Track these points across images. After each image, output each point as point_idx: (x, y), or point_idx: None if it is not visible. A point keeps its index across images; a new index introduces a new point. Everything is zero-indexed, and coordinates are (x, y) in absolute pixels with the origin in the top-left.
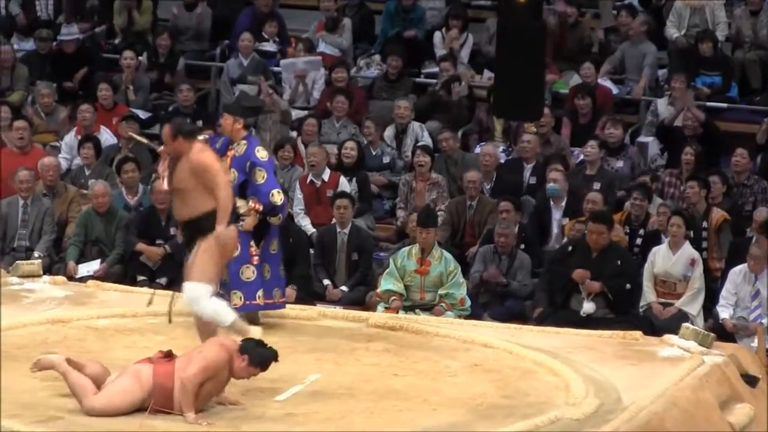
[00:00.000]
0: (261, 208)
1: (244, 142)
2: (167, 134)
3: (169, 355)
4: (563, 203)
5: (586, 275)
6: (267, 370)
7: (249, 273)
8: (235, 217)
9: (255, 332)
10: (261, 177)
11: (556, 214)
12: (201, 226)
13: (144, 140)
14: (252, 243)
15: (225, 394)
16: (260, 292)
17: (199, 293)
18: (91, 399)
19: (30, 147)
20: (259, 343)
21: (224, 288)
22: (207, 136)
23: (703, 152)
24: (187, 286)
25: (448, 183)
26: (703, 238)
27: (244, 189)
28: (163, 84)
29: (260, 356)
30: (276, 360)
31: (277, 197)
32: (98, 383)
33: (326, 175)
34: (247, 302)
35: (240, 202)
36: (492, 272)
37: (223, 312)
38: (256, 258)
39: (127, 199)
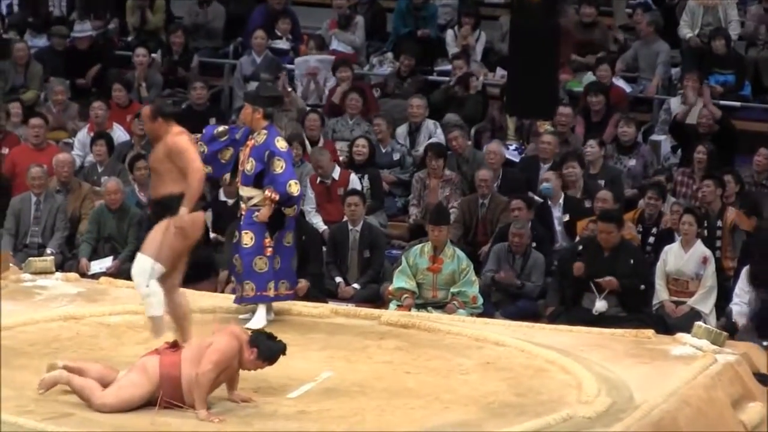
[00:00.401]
0: (277, 197)
1: (265, 131)
2: (146, 114)
3: (175, 346)
4: (560, 201)
5: (582, 269)
6: (274, 363)
7: (261, 264)
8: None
9: (166, 336)
10: (279, 167)
11: (556, 213)
12: (167, 206)
13: None
14: (267, 234)
15: (237, 392)
16: (271, 284)
17: (144, 268)
18: (100, 396)
19: (45, 144)
20: (270, 336)
21: (237, 278)
22: (227, 127)
23: (716, 151)
24: (138, 257)
25: (461, 181)
26: (717, 237)
27: (260, 179)
28: (176, 81)
29: (269, 350)
30: (284, 354)
31: (294, 188)
32: (103, 383)
33: (336, 173)
34: (258, 293)
35: (253, 192)
36: (506, 274)
37: (155, 303)
38: (269, 249)
39: (139, 197)
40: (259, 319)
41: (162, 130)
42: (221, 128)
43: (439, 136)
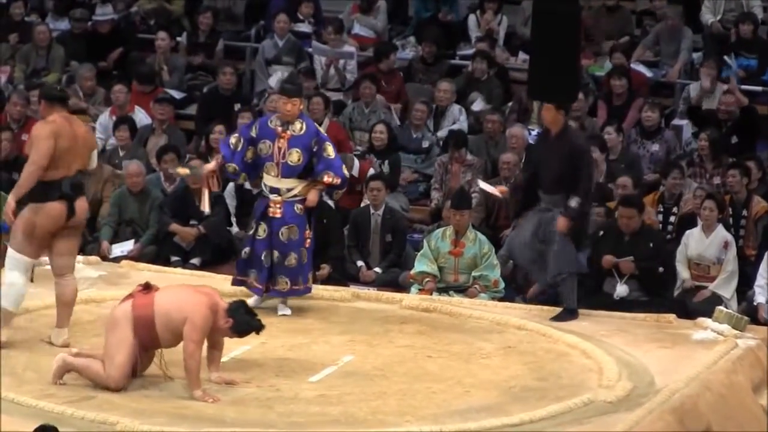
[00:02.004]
0: (339, 181)
1: (300, 119)
2: (38, 96)
3: (147, 287)
4: None
5: (612, 262)
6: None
7: (304, 256)
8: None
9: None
10: (332, 151)
11: None
12: (30, 194)
13: (186, 171)
14: (307, 226)
15: (219, 373)
16: (310, 275)
17: (9, 258)
18: (105, 375)
19: None
20: (249, 311)
21: (275, 271)
22: (237, 135)
23: (739, 137)
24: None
25: (486, 164)
26: (741, 225)
27: (305, 169)
28: (199, 65)
29: (245, 324)
30: (258, 333)
31: (346, 171)
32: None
33: (356, 169)
34: (294, 287)
35: (295, 183)
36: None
37: (11, 296)
38: (309, 241)
39: (164, 186)
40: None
41: (42, 113)
42: (233, 139)
43: (463, 123)
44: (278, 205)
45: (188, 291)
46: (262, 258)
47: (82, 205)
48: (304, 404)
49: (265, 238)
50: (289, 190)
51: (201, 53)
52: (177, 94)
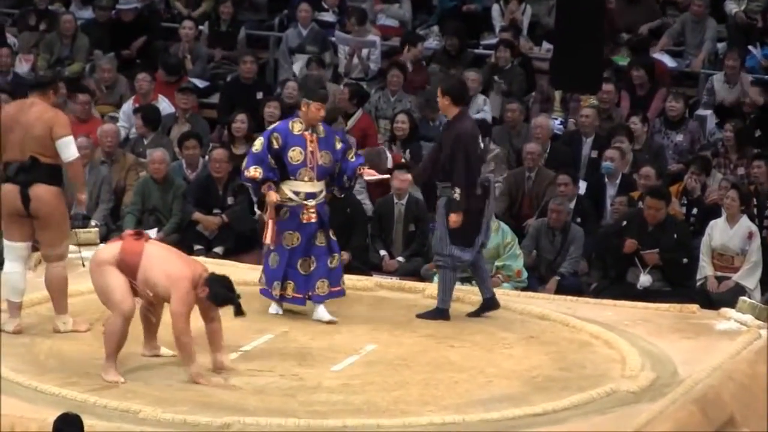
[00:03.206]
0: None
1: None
2: None
3: (139, 234)
4: (617, 181)
5: (635, 246)
6: (220, 308)
7: (335, 259)
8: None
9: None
10: (354, 153)
11: (611, 191)
12: None
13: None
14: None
15: (222, 356)
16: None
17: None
18: (114, 317)
19: (90, 116)
20: (229, 287)
21: (314, 276)
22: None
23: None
24: None
25: (508, 154)
26: (766, 216)
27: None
28: (220, 56)
29: (219, 294)
30: (237, 310)
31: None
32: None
33: (390, 161)
34: (333, 289)
35: (323, 185)
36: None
37: (8, 286)
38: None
39: (186, 173)
40: (326, 313)
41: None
42: (270, 162)
43: (487, 113)
44: (312, 210)
45: (176, 261)
46: (298, 267)
47: (40, 193)
48: (327, 393)
49: (300, 247)
50: (321, 192)
51: (223, 42)
52: (200, 83)
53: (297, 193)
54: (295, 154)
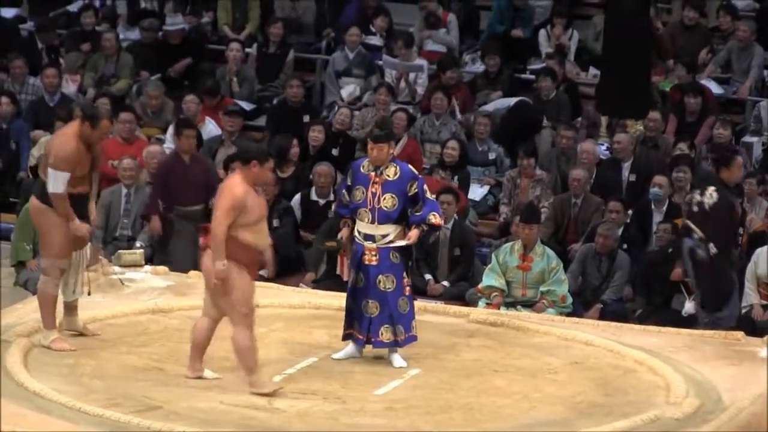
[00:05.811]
0: (442, 222)
1: (394, 164)
2: None
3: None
4: (664, 208)
5: (683, 273)
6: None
7: (404, 305)
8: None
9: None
10: (430, 193)
11: (657, 217)
12: None
13: (334, 244)
14: (405, 274)
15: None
16: (413, 323)
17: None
18: (239, 331)
19: (133, 137)
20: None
21: (373, 321)
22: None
23: None
24: None
25: (556, 179)
26: None
27: (401, 215)
28: (270, 76)
29: (260, 151)
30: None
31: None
32: None
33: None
34: (407, 335)
35: (389, 228)
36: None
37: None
38: (408, 289)
39: None
40: (401, 360)
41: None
42: (343, 199)
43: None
44: (373, 253)
45: None
46: (362, 308)
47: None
48: (370, 417)
49: (363, 288)
50: (384, 236)
51: (271, 64)
52: (247, 106)
53: (359, 232)
54: (358, 193)
